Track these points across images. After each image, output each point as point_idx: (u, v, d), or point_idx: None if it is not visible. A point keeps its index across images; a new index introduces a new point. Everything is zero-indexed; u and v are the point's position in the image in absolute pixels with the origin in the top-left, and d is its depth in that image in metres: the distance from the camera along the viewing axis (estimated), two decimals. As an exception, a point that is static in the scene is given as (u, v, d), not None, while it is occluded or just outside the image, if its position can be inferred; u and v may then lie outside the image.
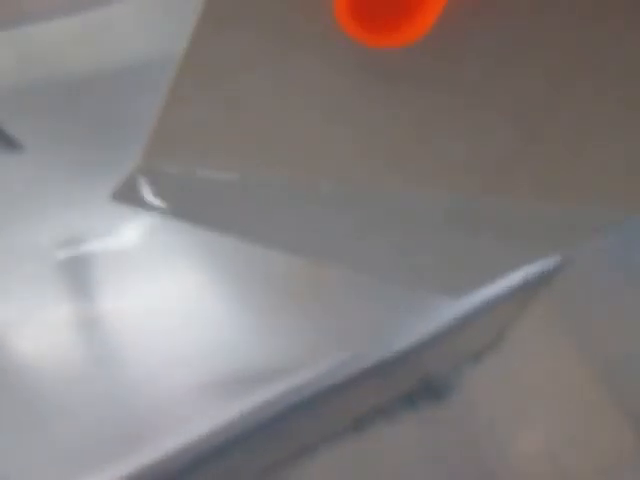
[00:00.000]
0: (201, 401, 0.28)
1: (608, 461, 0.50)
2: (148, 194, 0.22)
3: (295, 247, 0.26)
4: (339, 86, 0.17)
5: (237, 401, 0.28)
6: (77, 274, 0.30)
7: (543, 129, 0.18)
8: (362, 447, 0.47)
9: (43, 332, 0.29)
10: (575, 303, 0.52)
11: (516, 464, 0.50)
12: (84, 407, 0.28)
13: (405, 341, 0.30)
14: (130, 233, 0.30)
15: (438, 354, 0.39)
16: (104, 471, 0.26)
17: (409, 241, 0.24)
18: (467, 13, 0.15)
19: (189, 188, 0.22)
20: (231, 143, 0.20)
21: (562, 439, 0.50)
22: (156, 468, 0.27)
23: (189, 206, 0.24)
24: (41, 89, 0.33)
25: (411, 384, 0.47)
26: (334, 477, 0.46)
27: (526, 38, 0.15)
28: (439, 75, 0.17)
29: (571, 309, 0.52)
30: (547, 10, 0.15)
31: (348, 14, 0.13)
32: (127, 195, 0.23)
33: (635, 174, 0.19)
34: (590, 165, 0.19)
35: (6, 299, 0.29)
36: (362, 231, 0.24)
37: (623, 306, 0.52)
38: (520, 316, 0.45)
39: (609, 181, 0.20)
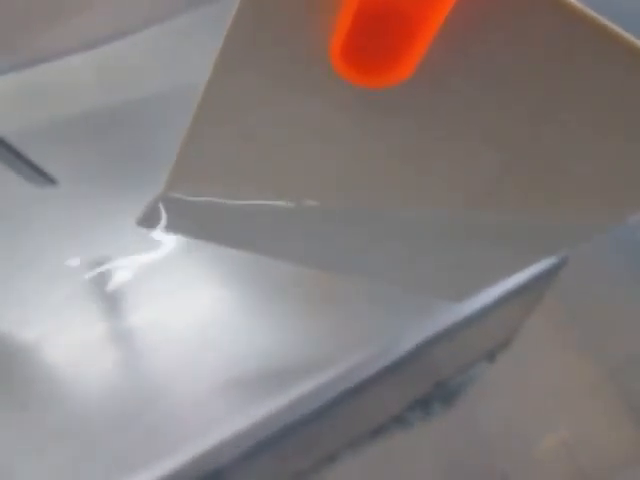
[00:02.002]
0: (220, 407, 0.29)
1: (624, 459, 0.50)
2: (169, 219, 0.24)
3: (307, 260, 0.27)
4: (340, 120, 0.19)
5: (258, 405, 0.29)
6: (105, 293, 0.31)
7: (526, 154, 0.19)
8: (380, 453, 0.47)
9: (75, 344, 0.30)
10: (577, 303, 0.52)
11: (530, 465, 0.50)
12: (113, 413, 0.29)
13: (417, 339, 0.31)
14: (152, 255, 0.32)
15: (450, 353, 0.39)
16: (135, 474, 0.27)
17: (411, 251, 0.25)
18: (451, 51, 0.16)
19: (208, 212, 0.23)
20: (246, 172, 0.22)
21: (576, 439, 0.50)
22: (178, 473, 0.28)
23: (208, 228, 0.25)
24: (67, 126, 0.35)
25: (426, 388, 0.47)
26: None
27: (509, 72, 0.17)
28: (429, 107, 0.18)
29: (574, 309, 0.52)
30: (529, 47, 0.16)
31: (341, 60, 0.16)
32: (150, 220, 0.25)
33: (614, 193, 0.20)
34: (571, 185, 0.20)
35: (41, 316, 0.31)
36: (367, 245, 0.25)
37: (623, 305, 0.52)
38: (525, 320, 0.45)
39: (589, 200, 0.21)
